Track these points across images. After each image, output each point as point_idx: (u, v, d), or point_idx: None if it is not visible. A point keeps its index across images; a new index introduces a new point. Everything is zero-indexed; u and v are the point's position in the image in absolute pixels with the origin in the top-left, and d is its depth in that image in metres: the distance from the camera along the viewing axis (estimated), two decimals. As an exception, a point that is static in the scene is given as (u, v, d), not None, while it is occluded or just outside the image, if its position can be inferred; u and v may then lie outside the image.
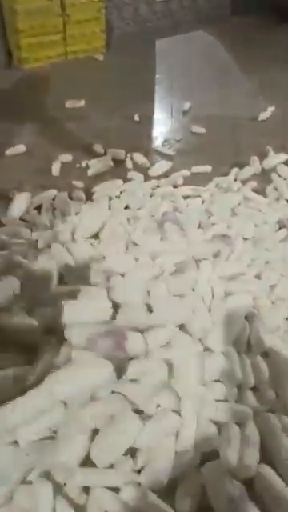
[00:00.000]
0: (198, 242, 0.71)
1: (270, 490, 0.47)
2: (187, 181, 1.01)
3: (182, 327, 0.57)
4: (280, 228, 0.83)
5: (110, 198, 0.91)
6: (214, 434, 0.50)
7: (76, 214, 0.84)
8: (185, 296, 0.59)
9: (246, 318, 0.59)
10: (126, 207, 0.89)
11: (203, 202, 0.91)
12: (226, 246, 0.72)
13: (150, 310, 0.55)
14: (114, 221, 0.75)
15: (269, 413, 0.53)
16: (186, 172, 1.03)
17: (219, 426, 0.52)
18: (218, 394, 0.53)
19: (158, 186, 0.97)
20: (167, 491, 0.47)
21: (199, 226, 0.79)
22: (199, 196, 0.93)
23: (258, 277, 0.70)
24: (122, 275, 0.61)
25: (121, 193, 0.94)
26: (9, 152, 1.11)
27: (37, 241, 0.74)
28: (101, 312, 0.55)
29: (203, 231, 0.76)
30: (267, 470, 0.49)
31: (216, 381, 0.54)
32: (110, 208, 0.88)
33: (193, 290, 0.61)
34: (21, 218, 0.89)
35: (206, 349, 0.56)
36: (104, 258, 0.66)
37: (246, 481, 0.48)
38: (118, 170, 1.05)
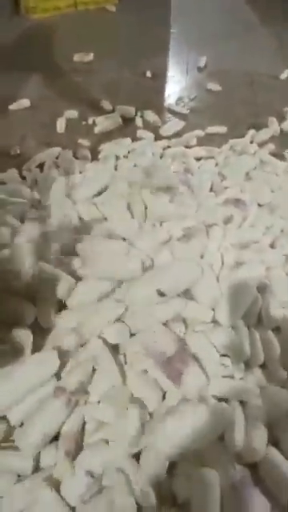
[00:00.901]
0: (209, 207, 0.65)
1: (274, 474, 0.44)
2: (200, 142, 0.94)
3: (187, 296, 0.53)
4: (298, 194, 0.77)
5: (117, 158, 0.85)
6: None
7: (80, 173, 0.79)
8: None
9: (257, 289, 0.54)
10: (134, 167, 0.84)
11: (216, 164, 0.85)
12: (240, 211, 0.67)
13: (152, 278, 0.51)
14: (119, 181, 0.69)
15: (276, 387, 0.50)
16: (199, 132, 0.96)
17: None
18: (224, 369, 0.49)
19: (169, 147, 0.91)
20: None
21: (211, 190, 0.73)
22: (212, 158, 0.86)
23: (272, 246, 0.64)
24: (125, 239, 0.57)
25: (129, 152, 0.87)
26: (12, 107, 1.04)
27: (36, 200, 0.69)
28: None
29: (215, 195, 0.70)
30: (273, 452, 0.45)
31: (222, 355, 0.49)
32: (116, 168, 0.82)
33: (201, 257, 0.56)
34: (21, 176, 0.84)
35: (214, 321, 0.52)
36: (106, 219, 0.61)
37: (251, 464, 0.45)
38: (127, 128, 0.98)
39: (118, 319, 0.50)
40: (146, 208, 0.64)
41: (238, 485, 0.43)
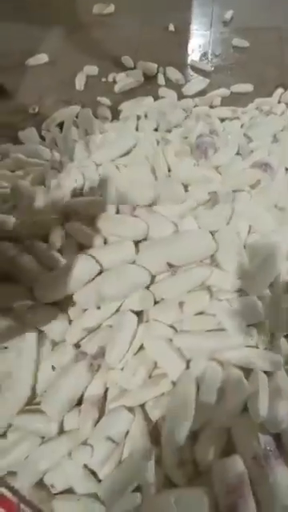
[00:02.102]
0: (235, 171, 0.61)
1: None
2: (225, 101, 0.89)
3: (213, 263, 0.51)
4: None
5: (139, 118, 0.81)
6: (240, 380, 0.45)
7: (100, 133, 0.75)
8: (218, 230, 0.51)
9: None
10: (156, 128, 0.79)
11: (242, 125, 0.80)
12: (267, 175, 0.63)
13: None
14: (141, 142, 0.65)
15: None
16: (224, 91, 0.90)
17: (246, 373, 0.47)
18: (248, 339, 0.47)
19: (193, 106, 0.86)
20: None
21: (237, 152, 0.69)
22: (237, 118, 0.82)
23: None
24: (149, 205, 0.54)
25: (151, 112, 0.83)
26: (30, 62, 0.99)
27: (56, 161, 0.66)
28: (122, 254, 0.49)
29: (242, 158, 0.66)
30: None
31: (247, 326, 0.47)
32: (137, 128, 0.78)
33: (227, 224, 0.53)
34: (41, 136, 0.80)
35: (239, 290, 0.49)
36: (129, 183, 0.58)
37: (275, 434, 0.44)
38: (149, 86, 0.93)
39: (143, 286, 0.48)
40: (169, 171, 0.60)
41: (262, 456, 0.42)
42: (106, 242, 0.51)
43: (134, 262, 0.49)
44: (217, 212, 0.52)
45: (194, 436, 0.44)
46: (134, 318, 0.46)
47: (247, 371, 0.47)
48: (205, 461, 0.42)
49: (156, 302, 0.49)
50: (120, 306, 0.47)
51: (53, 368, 0.44)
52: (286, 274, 0.50)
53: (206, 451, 0.43)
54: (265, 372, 0.46)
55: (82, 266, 0.46)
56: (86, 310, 0.47)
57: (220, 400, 0.44)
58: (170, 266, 0.47)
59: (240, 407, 0.44)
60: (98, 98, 0.89)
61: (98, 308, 0.46)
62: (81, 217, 0.53)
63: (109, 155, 0.62)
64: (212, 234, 0.51)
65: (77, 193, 0.57)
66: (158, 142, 0.68)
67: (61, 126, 0.82)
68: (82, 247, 0.51)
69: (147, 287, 0.49)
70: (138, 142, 0.64)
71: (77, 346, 0.46)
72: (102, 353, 0.44)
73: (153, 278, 0.49)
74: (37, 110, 0.86)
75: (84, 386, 0.44)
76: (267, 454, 0.42)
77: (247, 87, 0.92)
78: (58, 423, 0.43)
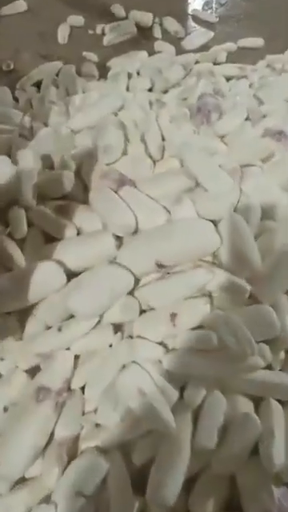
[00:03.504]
0: (244, 140, 0.48)
1: None
2: (231, 57, 0.74)
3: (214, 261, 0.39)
4: None
5: (130, 76, 0.67)
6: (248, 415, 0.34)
7: (83, 93, 0.62)
8: (223, 218, 0.39)
9: None
10: (151, 88, 0.66)
11: (250, 85, 0.66)
12: (281, 146, 0.50)
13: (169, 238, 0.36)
14: (129, 104, 0.52)
15: None
16: (230, 45, 0.76)
17: (256, 403, 0.37)
18: (259, 359, 0.36)
19: (194, 63, 0.72)
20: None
21: (247, 118, 0.55)
22: (245, 77, 0.68)
23: None
24: (135, 185, 0.41)
25: (144, 69, 0.69)
26: (6, 10, 0.83)
27: (26, 127, 0.52)
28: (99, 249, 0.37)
29: (252, 125, 0.53)
30: None
31: (258, 342, 0.36)
32: (128, 88, 0.64)
33: (234, 210, 0.41)
34: (14, 97, 0.67)
35: (249, 297, 0.38)
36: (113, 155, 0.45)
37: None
38: (143, 39, 0.77)
39: (126, 292, 0.37)
40: (163, 140, 0.47)
41: (275, 516, 0.31)
42: (79, 232, 0.39)
43: (114, 261, 0.37)
44: (221, 194, 0.40)
45: (187, 482, 0.34)
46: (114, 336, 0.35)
47: (257, 401, 0.36)
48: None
49: (142, 312, 0.37)
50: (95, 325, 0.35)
51: (5, 409, 0.33)
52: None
53: (202, 504, 0.33)
54: (279, 401, 0.36)
55: (44, 275, 0.34)
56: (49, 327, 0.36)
57: (222, 439, 0.34)
58: (161, 266, 0.35)
59: (248, 450, 0.33)
60: (84, 53, 0.74)
61: (59, 330, 0.34)
62: (49, 199, 0.40)
63: (88, 120, 0.49)
64: (215, 224, 0.39)
65: (47, 166, 0.44)
66: (150, 105, 0.55)
67: (38, 85, 0.68)
68: (49, 239, 0.39)
69: (131, 293, 0.37)
70: (124, 104, 0.51)
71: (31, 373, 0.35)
72: (67, 387, 0.33)
73: (138, 281, 0.37)
74: (11, 66, 0.72)
75: (50, 430, 0.33)
76: (283, 513, 0.31)
77: (257, 41, 0.78)
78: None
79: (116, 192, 0.39)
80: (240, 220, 0.39)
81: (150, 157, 0.44)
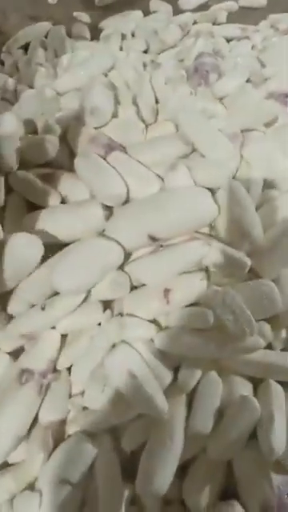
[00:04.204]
0: (245, 103, 0.44)
1: None
2: (232, 17, 0.69)
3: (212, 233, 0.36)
4: None
5: (124, 37, 0.62)
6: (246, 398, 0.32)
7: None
8: (220, 186, 0.36)
9: None
10: (146, 50, 0.61)
11: (253, 47, 0.61)
12: (285, 110, 0.46)
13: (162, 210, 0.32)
14: (122, 65, 0.48)
15: None
16: (231, 4, 0.70)
17: (255, 385, 0.34)
18: (259, 338, 0.33)
19: (192, 23, 0.67)
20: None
21: (248, 80, 0.51)
22: (247, 38, 0.63)
23: None
24: (125, 150, 0.37)
25: (139, 29, 0.64)
26: None
27: (9, 90, 0.48)
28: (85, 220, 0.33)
29: (253, 87, 0.49)
30: None
31: (258, 320, 0.33)
32: (121, 50, 0.60)
33: (233, 178, 0.37)
34: (0, 61, 0.62)
35: (248, 271, 0.35)
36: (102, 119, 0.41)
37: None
38: (138, -2, 0.73)
39: (115, 266, 0.34)
40: (157, 102, 0.43)
41: (275, 505, 0.29)
42: (64, 202, 0.36)
43: (102, 233, 0.34)
44: (220, 162, 0.36)
45: (181, 469, 0.31)
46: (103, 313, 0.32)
47: (256, 383, 0.33)
48: (195, 504, 0.30)
49: (133, 288, 0.34)
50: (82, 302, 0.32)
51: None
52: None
53: (196, 492, 0.30)
54: (280, 382, 0.33)
55: (19, 248, 0.31)
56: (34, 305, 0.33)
57: (218, 424, 0.31)
58: (153, 238, 0.32)
59: (246, 435, 0.31)
60: (75, 14, 0.69)
61: (42, 308, 0.31)
62: (32, 166, 0.37)
63: (75, 81, 0.44)
64: (212, 193, 0.35)
65: (30, 131, 0.40)
66: (144, 66, 0.51)
67: (26, 48, 0.63)
68: (31, 207, 0.35)
69: (121, 268, 0.34)
70: (116, 64, 0.47)
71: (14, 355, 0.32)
72: (52, 368, 0.31)
73: (128, 255, 0.34)
74: (-3, 28, 0.66)
75: (33, 414, 0.31)
76: (283, 504, 0.29)
77: (260, 0, 0.72)
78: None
79: (104, 158, 0.36)
80: (240, 188, 0.36)
81: (143, 120, 0.41)
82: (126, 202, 0.35)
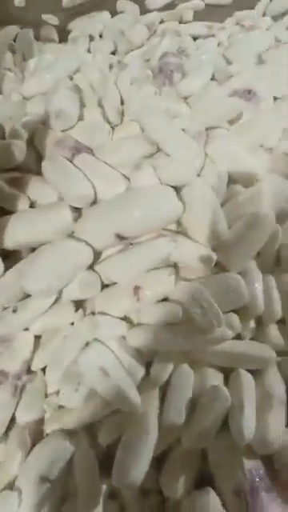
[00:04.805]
0: (209, 100, 0.45)
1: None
2: (199, 15, 0.70)
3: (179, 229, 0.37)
4: None
5: (92, 38, 0.63)
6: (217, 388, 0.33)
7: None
8: (186, 184, 0.37)
9: (277, 218, 0.37)
10: (114, 52, 0.62)
11: (219, 44, 0.62)
12: (251, 106, 0.47)
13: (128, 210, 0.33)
14: (88, 67, 0.48)
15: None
16: (197, 3, 0.71)
17: (227, 375, 0.35)
18: (226, 330, 0.34)
19: (159, 22, 0.67)
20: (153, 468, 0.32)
21: (213, 78, 0.52)
22: (213, 36, 0.64)
23: (292, 153, 0.46)
24: (92, 152, 0.38)
25: (107, 30, 0.64)
26: None
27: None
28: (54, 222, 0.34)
29: (218, 85, 0.50)
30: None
31: (226, 312, 0.34)
32: (89, 51, 0.60)
33: (198, 174, 0.38)
34: None
35: (215, 264, 0.36)
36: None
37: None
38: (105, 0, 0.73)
39: (85, 266, 0.34)
40: (122, 103, 0.44)
41: (248, 489, 0.30)
42: (32, 206, 0.36)
43: (71, 234, 0.34)
44: (184, 159, 0.37)
45: (158, 460, 0.32)
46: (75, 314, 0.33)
47: (227, 372, 0.34)
48: (171, 493, 0.31)
49: (104, 287, 0.35)
50: (53, 303, 0.33)
51: None
52: (275, 242, 0.36)
53: (173, 482, 0.31)
54: (250, 371, 0.34)
55: None
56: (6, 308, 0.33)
57: (191, 414, 0.32)
58: (121, 237, 0.33)
59: (218, 423, 0.32)
60: (43, 17, 0.69)
61: (14, 311, 0.32)
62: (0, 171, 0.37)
63: (41, 85, 0.45)
64: (177, 191, 0.36)
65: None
66: (111, 67, 0.51)
67: (-6, 52, 0.63)
68: (0, 212, 0.36)
69: (91, 267, 0.34)
70: (81, 67, 0.47)
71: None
72: (26, 370, 0.31)
73: (98, 254, 0.35)
74: None
75: (9, 416, 0.31)
76: (254, 487, 0.30)
77: (225, -3, 0.73)
78: None
79: (71, 161, 0.36)
80: (205, 185, 0.37)
81: (109, 122, 0.41)
82: (94, 203, 0.35)
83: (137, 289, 0.33)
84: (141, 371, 0.32)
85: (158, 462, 0.32)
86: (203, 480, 0.32)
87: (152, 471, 0.31)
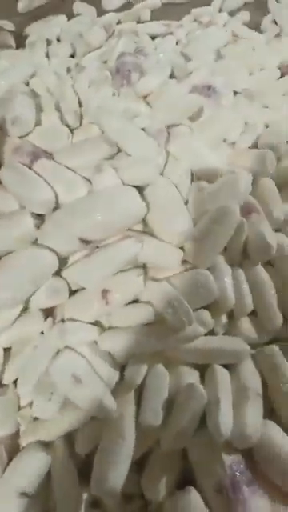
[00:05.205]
0: (169, 98, 0.45)
1: (273, 457, 0.31)
2: (156, 14, 0.70)
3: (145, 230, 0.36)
4: (282, 75, 0.57)
5: (49, 42, 0.62)
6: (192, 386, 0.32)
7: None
8: (149, 183, 0.36)
9: (242, 211, 0.37)
10: (73, 55, 0.61)
11: (177, 42, 0.62)
12: (210, 101, 0.47)
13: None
14: (44, 72, 0.47)
15: (273, 345, 0.36)
16: (154, 2, 0.71)
17: (201, 370, 0.35)
18: (198, 327, 0.34)
19: (116, 23, 0.67)
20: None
21: (172, 76, 0.51)
22: (171, 34, 0.64)
23: (255, 145, 0.46)
24: (52, 157, 0.37)
25: (64, 34, 0.64)
26: None
27: None
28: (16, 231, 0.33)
29: (177, 82, 0.49)
30: (271, 429, 0.32)
31: (197, 309, 0.34)
32: (48, 56, 0.59)
33: (161, 173, 0.38)
34: None
35: (183, 262, 0.35)
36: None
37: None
38: (59, 2, 0.71)
39: (50, 273, 0.34)
40: (81, 106, 0.43)
41: (229, 485, 0.30)
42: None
43: (35, 242, 0.34)
44: (145, 158, 0.37)
45: (138, 464, 0.32)
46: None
47: (203, 369, 0.34)
48: (154, 496, 0.30)
49: (73, 293, 0.34)
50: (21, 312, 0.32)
51: None
52: (241, 234, 0.36)
53: (154, 484, 0.31)
54: (226, 366, 0.34)
55: None
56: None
57: (168, 414, 0.32)
58: (86, 241, 0.32)
59: (195, 422, 0.32)
60: (-2, 22, 0.68)
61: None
62: None
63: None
64: (141, 190, 0.36)
65: None
66: (69, 71, 0.50)
67: None
68: None
69: (58, 274, 0.34)
70: (37, 72, 0.46)
71: None
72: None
73: (65, 260, 0.34)
74: None
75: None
76: (235, 481, 0.30)
77: (182, -5, 0.73)
78: None
79: (30, 167, 0.36)
80: (167, 184, 0.36)
81: (67, 125, 0.40)
82: (56, 208, 0.35)
83: (105, 292, 0.32)
84: (115, 375, 0.32)
85: (139, 465, 0.32)
86: (185, 480, 0.32)
87: (133, 475, 0.31)
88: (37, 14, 0.69)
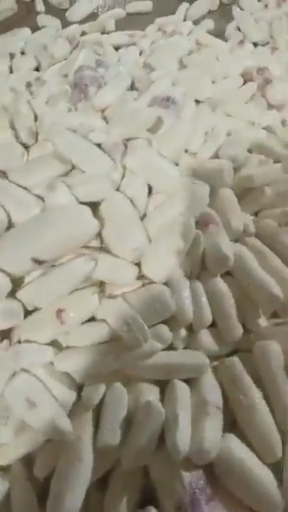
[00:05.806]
0: (127, 112, 0.45)
1: (234, 471, 0.31)
2: (120, 25, 0.70)
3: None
4: (245, 82, 0.57)
5: (13, 56, 0.62)
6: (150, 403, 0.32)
7: None
8: (104, 198, 0.36)
9: (197, 223, 0.37)
10: (38, 68, 0.61)
11: (141, 52, 0.62)
12: (170, 112, 0.47)
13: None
14: (4, 87, 0.47)
15: (233, 357, 0.35)
16: (118, 12, 0.71)
17: (162, 386, 0.34)
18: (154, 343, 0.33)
19: (80, 34, 0.67)
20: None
21: (133, 87, 0.51)
22: (135, 44, 0.64)
23: (217, 155, 0.46)
24: (6, 175, 0.37)
25: (28, 47, 0.64)
26: None
27: None
28: None
29: (137, 95, 0.49)
30: (230, 442, 0.32)
31: (155, 324, 0.34)
32: (11, 70, 0.59)
33: (117, 189, 0.38)
34: None
35: (140, 277, 0.35)
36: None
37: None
38: (24, 14, 0.71)
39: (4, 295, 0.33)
40: (36, 121, 0.43)
41: (188, 502, 0.30)
42: None
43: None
44: (101, 174, 0.36)
45: (100, 482, 0.31)
46: None
47: (163, 385, 0.34)
48: (117, 518, 0.30)
49: (29, 314, 0.34)
50: None
51: None
52: (199, 246, 0.36)
53: (116, 503, 0.30)
54: (185, 380, 0.34)
55: None
56: None
57: (127, 433, 0.31)
58: (38, 261, 0.32)
59: (154, 439, 0.31)
60: None
61: None
62: None
63: None
64: (96, 206, 0.35)
65: None
66: (29, 85, 0.50)
67: None
68: None
69: (12, 295, 0.33)
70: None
71: None
72: None
73: (19, 280, 0.34)
74: None
75: None
76: (195, 499, 0.30)
77: (146, 4, 0.73)
78: None
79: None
80: (123, 199, 0.36)
81: (22, 143, 0.40)
82: (9, 227, 0.34)
83: (59, 312, 0.32)
84: (71, 396, 0.31)
85: (101, 484, 0.31)
86: (148, 498, 0.32)
87: (98, 495, 0.31)
88: (1, 28, 0.69)
